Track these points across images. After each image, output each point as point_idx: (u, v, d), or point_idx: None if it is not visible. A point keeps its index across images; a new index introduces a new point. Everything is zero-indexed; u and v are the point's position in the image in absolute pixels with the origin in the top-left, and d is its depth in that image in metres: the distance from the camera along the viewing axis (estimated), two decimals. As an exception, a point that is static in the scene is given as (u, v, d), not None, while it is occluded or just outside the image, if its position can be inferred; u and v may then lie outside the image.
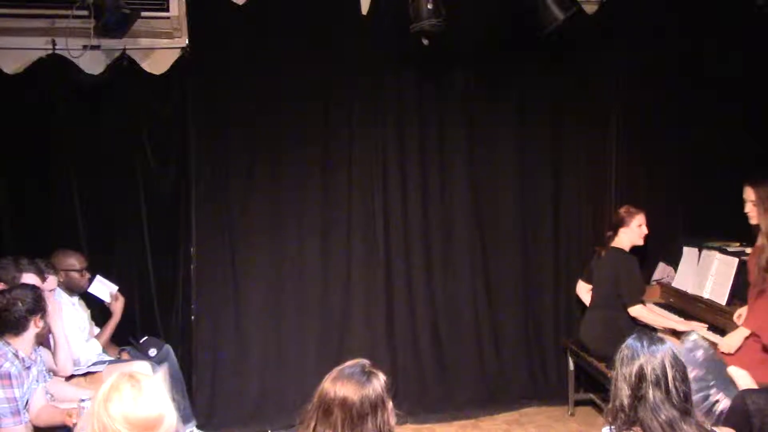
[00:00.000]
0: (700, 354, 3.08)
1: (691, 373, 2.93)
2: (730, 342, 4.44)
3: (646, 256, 5.73)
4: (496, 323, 5.97)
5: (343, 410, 2.33)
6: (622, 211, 5.42)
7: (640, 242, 5.43)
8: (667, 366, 2.53)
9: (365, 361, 2.48)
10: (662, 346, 2.58)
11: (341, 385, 2.37)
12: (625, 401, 2.55)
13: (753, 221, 4.53)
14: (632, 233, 5.38)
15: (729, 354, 4.36)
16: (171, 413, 2.23)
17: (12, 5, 5.03)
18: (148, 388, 2.22)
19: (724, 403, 3.07)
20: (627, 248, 5.38)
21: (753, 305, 4.47)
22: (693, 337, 3.14)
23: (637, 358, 2.55)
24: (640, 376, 2.53)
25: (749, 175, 4.74)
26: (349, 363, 2.46)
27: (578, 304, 5.88)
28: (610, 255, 5.38)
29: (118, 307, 5.10)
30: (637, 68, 5.94)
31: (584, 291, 5.62)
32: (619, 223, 5.40)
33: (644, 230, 5.40)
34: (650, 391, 2.51)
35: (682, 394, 2.53)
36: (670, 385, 2.52)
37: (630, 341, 2.61)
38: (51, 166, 5.32)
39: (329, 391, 2.36)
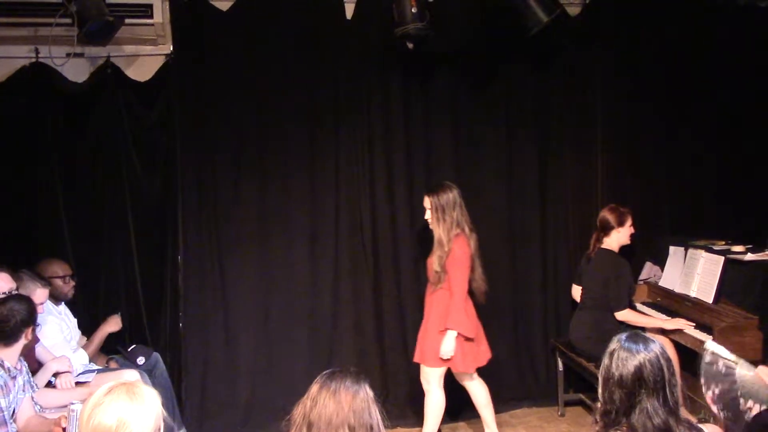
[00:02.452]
0: (720, 365, 3.02)
1: (716, 389, 2.99)
2: (447, 349, 4.79)
3: (633, 255, 5.75)
4: (484, 324, 5.67)
5: (347, 418, 2.40)
6: (613, 211, 5.42)
7: (629, 241, 5.47)
8: (664, 368, 2.54)
9: (350, 368, 2.55)
10: (655, 346, 2.58)
11: (336, 395, 2.43)
12: (618, 405, 2.55)
13: (430, 227, 4.90)
14: (625, 233, 5.41)
15: (448, 359, 4.82)
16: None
17: (-6, 14, 5.04)
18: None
19: (755, 409, 3.01)
20: (616, 249, 5.41)
21: (433, 301, 4.92)
22: (711, 348, 3.07)
23: (634, 361, 2.54)
24: (639, 379, 2.53)
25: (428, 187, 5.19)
26: (332, 373, 2.51)
27: (568, 305, 5.92)
28: (601, 256, 5.39)
29: (111, 322, 5.15)
30: (621, 68, 6.00)
31: (578, 294, 5.64)
32: (612, 224, 5.38)
33: (632, 229, 5.45)
34: (647, 398, 2.51)
35: (676, 396, 2.55)
36: (667, 390, 2.53)
37: (625, 343, 2.60)
38: (36, 174, 5.32)
39: (327, 404, 2.41)
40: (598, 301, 5.28)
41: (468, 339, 4.88)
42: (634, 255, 5.79)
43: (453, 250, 4.82)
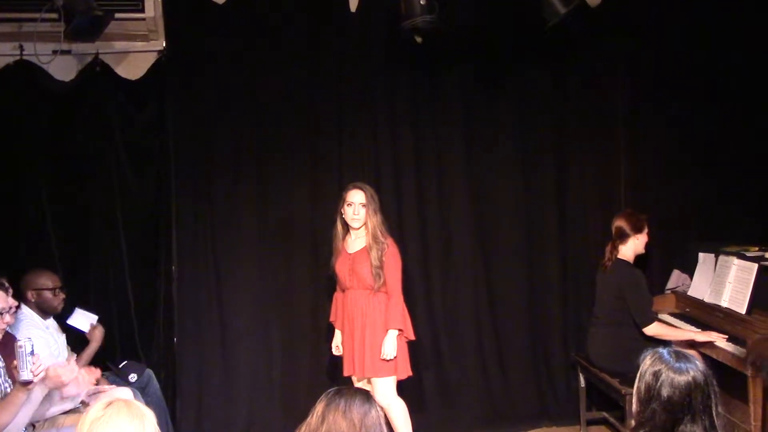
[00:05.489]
0: None
1: None
2: (389, 350, 4.83)
3: (660, 262, 5.83)
4: (500, 338, 5.98)
5: None
6: (630, 217, 5.39)
7: (644, 251, 5.45)
8: (711, 393, 2.54)
9: (355, 389, 2.59)
10: (702, 367, 2.59)
11: (347, 414, 2.45)
12: (660, 427, 2.54)
13: (357, 224, 4.93)
14: (642, 241, 5.38)
15: (392, 359, 4.84)
16: None
17: (-24, 10, 5.01)
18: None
19: None
20: (632, 259, 5.38)
21: (371, 306, 4.91)
22: None
23: (683, 382, 2.54)
24: (688, 404, 2.52)
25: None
26: (340, 391, 2.54)
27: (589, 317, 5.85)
28: (615, 268, 5.34)
29: (96, 335, 5.09)
30: (645, 64, 5.96)
31: None
32: (628, 232, 5.35)
33: (647, 238, 5.42)
34: (691, 423, 2.51)
35: (717, 422, 2.54)
36: (713, 415, 2.53)
37: (673, 363, 2.59)
38: (20, 179, 5.31)
39: (338, 422, 2.44)
40: (613, 316, 5.24)
41: (406, 343, 4.97)
42: (662, 262, 5.85)
43: (390, 245, 4.91)
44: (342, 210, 4.98)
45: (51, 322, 4.97)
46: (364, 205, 4.91)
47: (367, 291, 4.93)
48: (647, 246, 5.44)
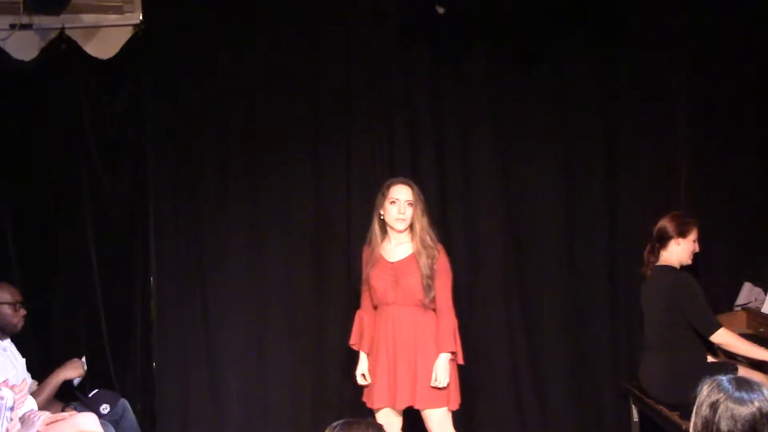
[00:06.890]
0: None
1: None
2: (443, 375, 4.66)
3: (729, 274, 5.62)
4: (537, 364, 5.79)
5: None
6: (675, 219, 5.19)
7: (690, 261, 5.21)
8: None
9: (369, 419, 2.48)
10: (767, 393, 2.42)
11: None
12: None
13: (401, 225, 4.74)
14: (686, 248, 5.14)
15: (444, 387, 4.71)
16: None
17: None
18: None
19: None
20: (677, 266, 5.19)
21: (420, 325, 4.73)
22: None
23: (745, 414, 2.37)
24: None
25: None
26: (349, 425, 2.38)
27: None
28: (658, 275, 5.14)
29: (69, 366, 4.93)
30: (713, 40, 5.69)
31: None
32: (671, 234, 5.13)
33: (697, 246, 5.19)
34: None
35: None
36: None
37: (733, 391, 2.42)
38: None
39: None
40: (666, 336, 5.04)
41: (457, 368, 4.84)
42: (731, 275, 5.64)
43: (440, 252, 4.77)
44: (382, 209, 4.77)
45: (8, 343, 4.81)
46: (411, 204, 4.74)
47: (416, 307, 4.75)
48: (695, 257, 5.21)
